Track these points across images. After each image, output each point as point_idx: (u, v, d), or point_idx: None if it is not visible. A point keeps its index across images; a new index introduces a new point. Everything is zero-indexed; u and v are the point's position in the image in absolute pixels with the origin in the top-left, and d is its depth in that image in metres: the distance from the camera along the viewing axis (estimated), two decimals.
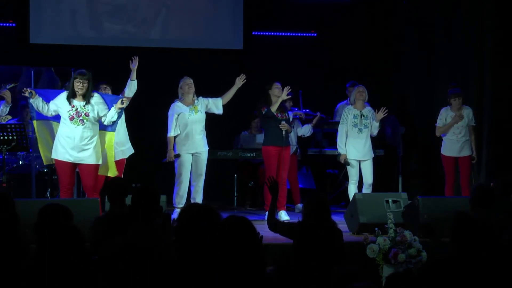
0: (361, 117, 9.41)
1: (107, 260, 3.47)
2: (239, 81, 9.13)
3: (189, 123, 9.03)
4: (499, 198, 6.68)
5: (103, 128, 8.22)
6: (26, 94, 7.94)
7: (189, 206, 3.78)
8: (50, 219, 4.48)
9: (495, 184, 6.94)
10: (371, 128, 9.42)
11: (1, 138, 8.26)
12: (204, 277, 3.44)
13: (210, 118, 9.33)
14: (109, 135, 8.30)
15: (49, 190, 9.86)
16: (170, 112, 9.08)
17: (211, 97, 9.18)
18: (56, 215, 4.57)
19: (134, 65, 8.51)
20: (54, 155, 8.02)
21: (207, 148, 9.13)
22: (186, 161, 9.03)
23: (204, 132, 9.12)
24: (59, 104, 7.99)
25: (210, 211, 3.61)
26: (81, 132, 7.93)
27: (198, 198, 9.09)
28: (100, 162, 8.07)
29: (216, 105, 9.15)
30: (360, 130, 9.39)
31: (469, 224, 4.26)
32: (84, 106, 7.95)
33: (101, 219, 5.84)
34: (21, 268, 3.47)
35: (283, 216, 9.25)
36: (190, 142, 9.03)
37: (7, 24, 11.13)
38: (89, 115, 7.97)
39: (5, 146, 8.27)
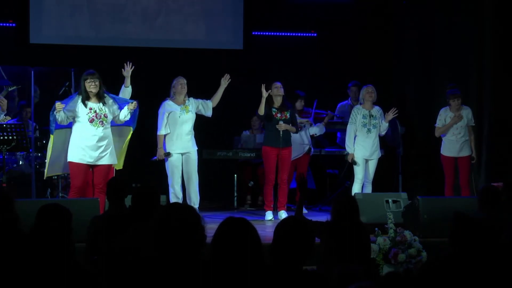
0: (370, 117, 9.46)
1: (108, 260, 3.46)
2: (224, 82, 9.14)
3: (179, 122, 9.03)
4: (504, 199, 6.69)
5: (124, 124, 8.38)
6: (58, 112, 7.91)
7: (166, 206, 3.76)
8: (49, 220, 4.47)
9: (505, 185, 6.93)
10: (379, 128, 9.47)
11: (1, 138, 8.26)
12: (204, 278, 3.44)
13: (211, 118, 9.33)
14: (129, 129, 8.52)
15: (49, 190, 9.86)
16: (160, 111, 9.08)
17: (202, 98, 9.18)
18: (55, 216, 4.56)
19: (127, 72, 8.50)
20: (71, 158, 8.08)
21: (196, 148, 9.14)
22: (176, 161, 9.04)
23: (193, 132, 9.12)
24: (74, 108, 8.04)
25: (189, 212, 3.59)
26: (102, 133, 8.08)
27: (194, 198, 9.08)
28: (116, 162, 8.28)
29: (207, 108, 9.16)
30: (369, 130, 9.44)
31: (467, 224, 4.26)
32: (101, 108, 8.04)
33: (98, 219, 5.83)
34: (19, 267, 3.46)
35: (283, 216, 9.25)
36: (179, 142, 9.03)
37: (7, 24, 11.13)
38: (107, 116, 8.14)
39: (5, 146, 8.28)
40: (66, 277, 3.43)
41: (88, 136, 8.04)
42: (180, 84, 9.05)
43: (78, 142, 8.06)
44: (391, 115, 9.47)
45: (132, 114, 8.32)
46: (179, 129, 9.03)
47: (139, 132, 9.13)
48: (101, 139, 8.07)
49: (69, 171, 8.21)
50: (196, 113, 9.15)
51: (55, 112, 7.96)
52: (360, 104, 9.62)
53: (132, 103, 8.23)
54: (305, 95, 10.33)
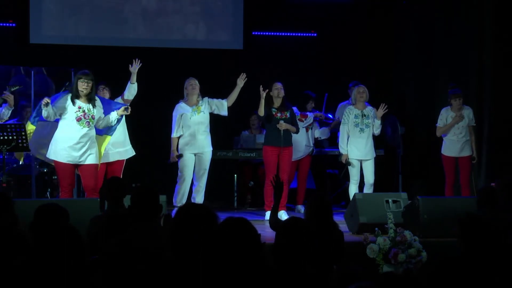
0: (363, 116, 9.44)
1: (106, 260, 3.46)
2: (241, 81, 9.13)
3: (191, 123, 9.05)
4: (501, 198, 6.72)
5: (99, 132, 8.28)
6: (44, 106, 7.88)
7: (185, 206, 3.76)
8: (46, 219, 4.47)
9: (497, 184, 6.96)
10: (372, 128, 9.44)
11: (1, 138, 8.25)
12: (203, 278, 3.44)
13: (211, 118, 9.33)
14: (105, 138, 8.39)
15: (49, 190, 9.85)
16: (173, 113, 9.13)
17: (216, 98, 9.19)
18: (52, 215, 4.56)
19: (134, 68, 8.51)
20: (54, 157, 8.04)
21: (211, 149, 9.16)
22: (188, 160, 9.06)
23: (208, 132, 9.15)
24: (63, 105, 8.02)
25: (207, 211, 3.59)
26: (86, 133, 8.02)
27: (199, 197, 9.11)
28: (99, 162, 8.15)
29: (221, 107, 9.18)
30: (361, 130, 9.41)
31: (478, 225, 4.27)
32: (90, 109, 8.02)
33: (97, 219, 5.83)
34: (18, 268, 3.46)
35: (283, 216, 9.24)
36: (193, 143, 9.05)
37: (7, 24, 11.13)
38: (95, 118, 8.08)
39: (5, 146, 8.27)
40: (67, 277, 3.42)
41: (72, 134, 7.98)
42: (191, 85, 9.07)
43: (62, 140, 8.00)
44: (381, 111, 9.43)
45: (117, 121, 8.22)
46: (191, 130, 9.05)
47: (139, 132, 9.14)
48: (84, 139, 8.00)
49: (56, 171, 8.20)
50: (212, 113, 9.16)
51: (42, 106, 7.93)
52: (352, 104, 9.62)
53: (123, 108, 8.10)
54: (316, 96, 10.33)
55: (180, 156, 9.04)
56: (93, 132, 8.13)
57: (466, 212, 4.43)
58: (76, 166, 8.05)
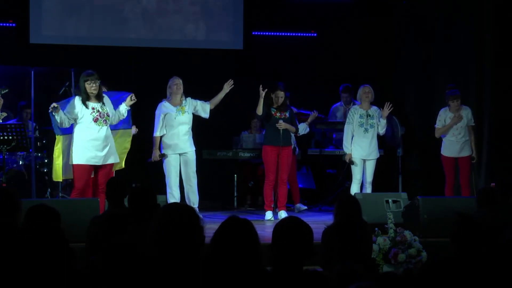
0: (367, 116, 9.47)
1: (105, 260, 3.46)
2: (227, 87, 9.14)
3: (175, 123, 9.04)
4: (499, 199, 6.74)
5: (121, 127, 8.47)
6: (52, 111, 7.88)
7: (164, 206, 3.75)
8: (36, 221, 4.45)
9: (496, 185, 6.99)
10: (377, 128, 9.47)
11: (1, 138, 8.25)
12: (202, 278, 3.44)
13: (210, 118, 9.33)
14: (128, 131, 8.62)
15: (49, 190, 9.85)
16: (157, 112, 9.11)
17: (200, 99, 9.18)
18: (42, 217, 4.54)
19: (128, 102, 8.38)
20: (77, 160, 8.03)
21: (194, 148, 9.14)
22: (173, 161, 9.06)
23: (191, 133, 9.13)
24: (76, 110, 8.02)
25: (187, 212, 3.58)
26: (106, 132, 8.13)
27: (193, 198, 9.08)
28: (118, 160, 8.32)
29: (204, 109, 9.17)
30: (366, 130, 9.44)
31: (469, 225, 4.26)
32: (103, 107, 8.07)
33: (97, 219, 5.83)
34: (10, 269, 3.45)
35: (283, 216, 9.25)
36: (176, 143, 9.04)
37: (7, 24, 11.13)
38: (109, 115, 8.16)
39: (5, 146, 8.28)
40: (57, 278, 3.42)
41: (93, 136, 8.02)
42: (175, 85, 9.05)
43: (83, 143, 8.02)
44: (387, 110, 9.46)
45: (127, 113, 8.36)
46: (175, 130, 9.04)
47: (140, 133, 9.14)
48: (106, 138, 8.10)
49: (73, 173, 8.17)
50: (194, 114, 9.16)
51: (53, 113, 7.92)
52: (357, 104, 9.64)
53: (129, 99, 8.24)
54: (290, 95, 10.30)
55: (163, 155, 9.04)
56: (110, 130, 8.22)
57: (456, 212, 4.41)
58: (97, 167, 8.08)
